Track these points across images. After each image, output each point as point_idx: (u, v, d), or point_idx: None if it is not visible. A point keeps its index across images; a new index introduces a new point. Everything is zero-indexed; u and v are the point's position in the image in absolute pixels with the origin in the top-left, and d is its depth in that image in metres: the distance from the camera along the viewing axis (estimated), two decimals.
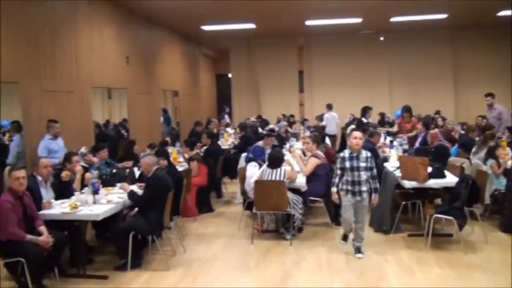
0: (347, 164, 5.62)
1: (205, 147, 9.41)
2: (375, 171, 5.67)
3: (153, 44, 12.90)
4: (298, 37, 16.97)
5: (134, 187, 6.14)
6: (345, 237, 6.02)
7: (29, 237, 4.78)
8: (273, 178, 6.34)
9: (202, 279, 5.32)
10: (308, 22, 13.45)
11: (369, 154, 5.67)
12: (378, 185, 5.72)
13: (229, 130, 13.11)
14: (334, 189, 5.80)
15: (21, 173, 4.90)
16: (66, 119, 8.06)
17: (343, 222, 5.99)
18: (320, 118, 14.28)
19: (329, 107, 14.26)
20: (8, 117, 8.16)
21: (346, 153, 5.69)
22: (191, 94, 16.65)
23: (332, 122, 13.97)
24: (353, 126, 12.22)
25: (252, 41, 17.47)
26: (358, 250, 5.87)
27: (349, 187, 5.65)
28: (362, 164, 5.57)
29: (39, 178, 5.56)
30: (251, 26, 13.78)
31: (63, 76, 8.36)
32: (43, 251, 4.81)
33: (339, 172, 5.73)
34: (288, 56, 17.32)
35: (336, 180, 5.77)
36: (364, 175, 5.59)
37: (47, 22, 7.95)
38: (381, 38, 16.36)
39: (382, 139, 8.73)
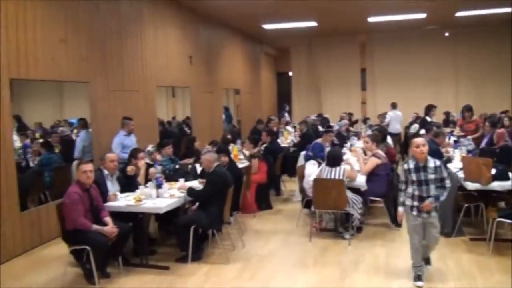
0: (413, 176, 4.77)
1: (264, 145, 9.50)
2: (447, 182, 4.80)
3: (215, 44, 13.15)
4: (360, 34, 16.78)
5: (195, 183, 6.32)
6: (419, 277, 4.98)
7: (95, 227, 5.03)
8: (332, 177, 6.33)
9: (260, 274, 5.40)
10: (371, 19, 13.27)
11: (438, 162, 4.83)
12: (443, 198, 4.83)
13: (289, 128, 13.15)
14: (400, 209, 4.97)
15: (89, 166, 5.17)
16: (132, 116, 8.40)
17: (412, 250, 5.01)
18: (383, 116, 14.04)
19: (393, 105, 13.98)
20: (75, 114, 8.66)
21: (410, 163, 4.82)
22: (252, 92, 16.83)
23: (396, 121, 13.69)
24: (416, 125, 11.94)
25: (313, 39, 17.45)
26: (418, 277, 4.99)
27: (415, 203, 4.80)
28: (431, 176, 4.72)
29: (106, 171, 5.85)
30: (313, 24, 13.75)
31: (129, 75, 8.73)
32: (108, 240, 5.05)
33: (403, 187, 4.92)
34: (350, 53, 17.17)
35: (402, 198, 4.96)
36: (433, 189, 4.75)
37: (115, 25, 8.34)
38: (446, 34, 15.86)
39: (446, 139, 8.47)
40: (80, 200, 5.02)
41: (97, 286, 5.03)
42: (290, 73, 18.90)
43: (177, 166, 7.36)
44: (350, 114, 15.55)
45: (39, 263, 6.03)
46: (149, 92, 9.42)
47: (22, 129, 7.84)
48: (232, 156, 7.54)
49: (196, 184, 6.27)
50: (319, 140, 8.89)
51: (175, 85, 11.01)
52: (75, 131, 11.81)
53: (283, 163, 9.44)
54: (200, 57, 11.98)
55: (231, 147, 8.77)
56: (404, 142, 13.34)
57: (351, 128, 13.12)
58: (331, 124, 12.82)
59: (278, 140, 10.94)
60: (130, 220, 5.54)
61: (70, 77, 7.29)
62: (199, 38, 11.98)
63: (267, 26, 14.00)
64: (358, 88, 17.41)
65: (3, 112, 6.07)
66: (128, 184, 5.99)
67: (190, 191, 5.82)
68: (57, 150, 8.87)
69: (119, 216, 5.42)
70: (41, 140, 9.62)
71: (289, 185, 9.85)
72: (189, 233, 5.55)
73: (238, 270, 5.54)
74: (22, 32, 6.35)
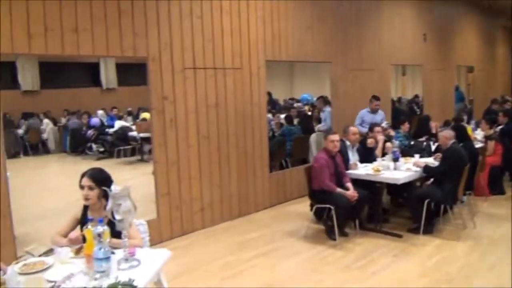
0: None
1: (500, 127, 9.06)
2: None
3: (449, 20, 12.78)
4: None
5: (430, 159, 6.54)
6: None
7: (339, 190, 5.69)
8: None
9: (490, 256, 5.36)
10: None
11: None
12: None
13: None
14: None
15: (336, 137, 5.85)
16: (367, 94, 8.89)
17: None
18: None
19: None
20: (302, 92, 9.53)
21: None
22: (486, 69, 15.81)
23: None
24: None
25: None
26: None
27: None
28: None
29: (348, 142, 6.47)
30: None
31: (366, 55, 9.26)
32: (349, 203, 5.65)
33: None
34: None
35: None
36: None
37: (354, 9, 8.95)
38: None
39: None
40: (327, 165, 5.73)
41: (336, 241, 5.72)
42: None
43: (412, 143, 7.63)
44: None
45: (284, 216, 7.06)
46: (383, 71, 9.80)
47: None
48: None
49: (431, 160, 6.48)
50: None
51: (407, 63, 11.16)
52: (306, 107, 12.98)
53: None
54: (434, 34, 11.82)
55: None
56: None
57: None
58: None
59: None
60: (367, 188, 6.04)
61: (314, 58, 8.12)
62: (433, 15, 11.81)
63: None
64: None
65: (260, 89, 7.16)
66: (367, 155, 6.52)
67: (426, 167, 6.06)
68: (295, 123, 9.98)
69: (357, 183, 5.97)
70: (282, 115, 10.86)
71: None
72: (423, 206, 5.83)
73: (468, 247, 5.62)
74: (276, 22, 7.39)
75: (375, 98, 8.13)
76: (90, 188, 3.40)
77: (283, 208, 7.49)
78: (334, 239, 5.75)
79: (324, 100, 9.56)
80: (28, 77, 15.85)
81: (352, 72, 8.93)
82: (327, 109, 9.19)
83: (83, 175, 3.47)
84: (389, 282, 4.70)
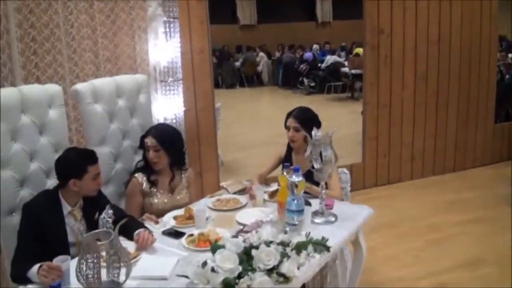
0: None
1: None
2: None
3: None
4: None
5: None
6: None
7: None
8: None
9: None
10: None
11: None
12: None
13: None
14: None
15: None
16: None
17: None
18: None
19: None
20: None
21: None
22: None
23: None
24: None
25: None
26: None
27: None
28: None
29: None
30: None
31: None
32: None
33: None
34: None
35: None
36: None
37: None
38: None
39: None
40: None
41: None
42: None
43: None
44: None
45: (508, 177, 5.97)
46: None
47: None
48: None
49: None
50: None
51: None
52: None
53: None
54: None
55: None
56: None
57: None
58: None
59: None
60: None
61: None
62: None
63: None
64: None
65: (492, 22, 6.03)
66: None
67: None
68: None
69: None
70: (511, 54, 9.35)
71: None
72: None
73: None
74: None
75: None
76: (296, 129, 3.17)
77: (507, 167, 6.32)
78: None
79: None
80: (246, 13, 16.70)
81: None
82: None
83: (289, 115, 3.25)
84: None
